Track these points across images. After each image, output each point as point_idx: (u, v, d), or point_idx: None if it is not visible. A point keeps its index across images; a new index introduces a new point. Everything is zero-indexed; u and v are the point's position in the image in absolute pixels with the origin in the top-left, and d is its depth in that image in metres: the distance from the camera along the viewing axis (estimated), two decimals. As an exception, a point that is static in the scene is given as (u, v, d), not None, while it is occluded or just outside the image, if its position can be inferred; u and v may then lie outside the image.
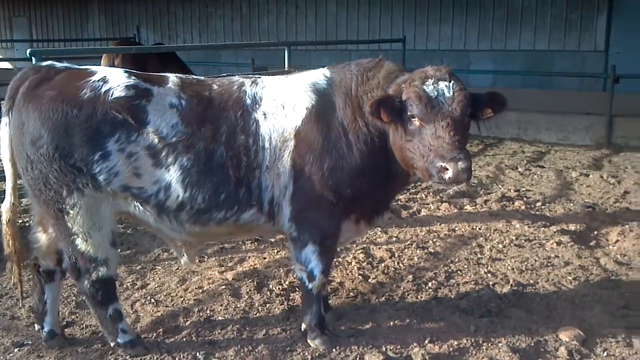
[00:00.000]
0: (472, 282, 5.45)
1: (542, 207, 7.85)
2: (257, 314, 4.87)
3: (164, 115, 3.89)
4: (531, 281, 5.49)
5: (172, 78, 4.10)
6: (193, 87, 4.07)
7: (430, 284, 5.40)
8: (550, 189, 8.87)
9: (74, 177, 3.82)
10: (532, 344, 4.40)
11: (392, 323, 4.70)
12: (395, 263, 5.92)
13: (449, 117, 3.64)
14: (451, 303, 5.06)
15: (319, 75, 4.19)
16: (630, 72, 13.22)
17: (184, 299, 5.14)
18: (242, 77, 4.26)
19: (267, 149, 3.98)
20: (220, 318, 4.80)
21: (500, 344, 4.38)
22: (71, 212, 3.88)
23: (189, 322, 4.74)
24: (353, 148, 4.00)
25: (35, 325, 4.54)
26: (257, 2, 20.00)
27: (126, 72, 4.03)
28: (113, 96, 3.83)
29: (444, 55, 15.85)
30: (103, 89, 3.86)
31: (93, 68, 4.08)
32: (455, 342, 4.40)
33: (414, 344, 4.38)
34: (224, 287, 5.33)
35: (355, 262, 5.89)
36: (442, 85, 3.69)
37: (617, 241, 6.60)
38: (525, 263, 5.89)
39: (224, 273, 5.65)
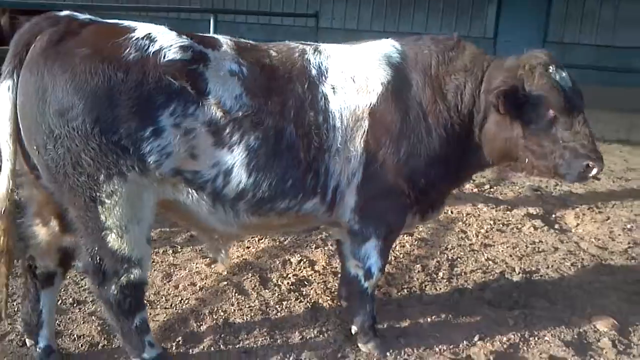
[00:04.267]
0: (480, 271, 5.22)
1: (492, 190, 7.81)
2: (278, 314, 4.29)
3: (225, 84, 3.20)
4: (533, 268, 5.35)
5: (225, 40, 3.40)
6: (251, 53, 3.40)
7: (440, 274, 5.10)
8: (489, 171, 8.88)
9: (117, 157, 3.02)
10: (576, 336, 4.25)
11: (429, 319, 4.35)
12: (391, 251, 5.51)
13: (582, 110, 3.41)
14: (475, 295, 4.79)
15: (389, 47, 3.67)
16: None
17: (182, 299, 4.43)
18: (299, 44, 3.62)
19: (338, 128, 3.41)
20: (239, 321, 4.17)
21: (546, 338, 4.18)
22: (107, 201, 3.07)
23: (205, 327, 4.07)
24: (432, 133, 3.54)
25: (27, 340, 3.64)
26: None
27: (172, 29, 3.26)
28: (166, 58, 3.08)
29: (336, 34, 15.50)
30: (152, 49, 3.09)
31: (127, 22, 3.26)
32: (504, 338, 4.14)
33: (465, 342, 4.07)
34: (224, 283, 4.65)
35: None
36: (564, 74, 3.45)
37: (577, 225, 6.68)
38: (517, 249, 5.76)
39: (212, 266, 4.94)
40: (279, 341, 3.95)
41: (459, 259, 5.43)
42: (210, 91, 3.14)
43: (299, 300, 4.48)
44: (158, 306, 4.31)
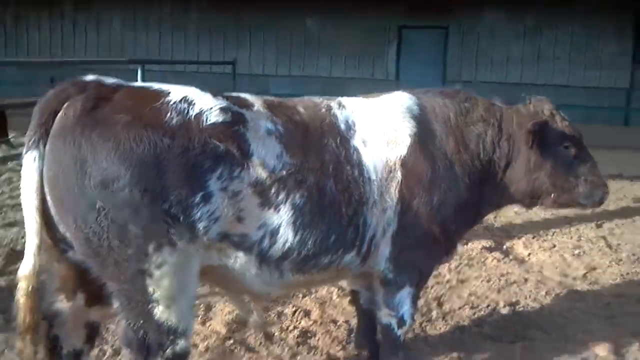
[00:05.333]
0: (467, 307, 5.31)
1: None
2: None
3: (265, 144, 3.14)
4: (513, 299, 5.52)
5: (253, 98, 3.34)
6: (282, 110, 3.37)
7: (434, 314, 5.15)
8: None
9: (167, 227, 2.86)
10: (581, 364, 4.39)
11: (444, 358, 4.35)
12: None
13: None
14: (474, 331, 4.87)
15: (407, 100, 3.74)
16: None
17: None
18: (321, 99, 3.62)
19: (373, 181, 3.43)
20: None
21: (556, 367, 4.29)
22: (156, 273, 2.90)
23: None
24: (459, 180, 3.67)
25: None
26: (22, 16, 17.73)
27: (205, 91, 3.16)
28: (209, 121, 2.98)
29: (243, 78, 15.55)
30: (192, 113, 2.98)
31: (159, 85, 3.14)
32: (520, 372, 4.21)
33: (485, 380, 4.09)
34: (229, 342, 4.46)
35: (337, 300, 5.36)
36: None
37: (529, 254, 6.97)
38: (491, 282, 5.91)
39: (207, 325, 4.73)
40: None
41: (443, 297, 5.51)
42: (253, 152, 3.07)
43: (311, 353, 4.38)
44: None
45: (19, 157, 10.28)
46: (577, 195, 3.85)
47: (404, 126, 3.58)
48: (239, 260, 3.17)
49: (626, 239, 7.59)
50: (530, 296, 5.60)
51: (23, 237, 6.40)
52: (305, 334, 4.65)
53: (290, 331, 4.67)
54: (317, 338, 4.61)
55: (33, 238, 2.90)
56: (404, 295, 3.70)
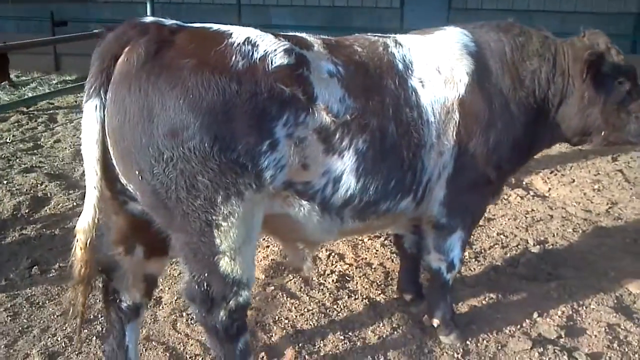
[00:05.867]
0: (497, 246, 5.35)
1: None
2: (340, 314, 4.23)
3: (328, 87, 3.02)
4: (541, 238, 5.55)
5: (312, 38, 3.21)
6: (341, 51, 3.24)
7: (466, 253, 5.14)
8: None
9: (236, 176, 2.77)
10: (616, 301, 4.46)
11: (484, 302, 4.42)
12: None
13: None
14: (509, 271, 4.92)
15: (462, 36, 3.61)
16: (421, 26, 14.06)
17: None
18: (376, 36, 3.49)
19: (431, 123, 3.33)
20: (306, 327, 4.08)
21: (592, 306, 4.38)
22: (224, 224, 2.84)
23: (277, 338, 3.95)
24: (515, 119, 3.57)
25: (113, 379, 3.33)
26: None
27: (266, 31, 3.04)
28: (274, 64, 2.85)
29: (244, 9, 15.14)
30: (257, 55, 2.84)
31: (218, 26, 3.00)
32: (559, 312, 4.30)
33: (528, 321, 4.18)
34: (271, 288, 4.50)
35: (369, 242, 5.37)
36: None
37: (549, 189, 6.98)
38: (518, 220, 5.95)
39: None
40: (358, 343, 3.89)
41: (473, 237, 5.52)
42: (317, 96, 2.96)
43: (352, 297, 4.41)
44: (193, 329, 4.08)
45: (25, 98, 10.13)
46: (628, 132, 3.76)
47: (461, 64, 3.47)
48: (302, 208, 3.12)
49: (643, 171, 7.59)
50: (557, 234, 5.64)
51: (43, 182, 6.40)
52: (343, 278, 4.67)
53: (328, 275, 4.70)
54: (355, 282, 4.64)
55: (93, 190, 2.81)
56: (455, 239, 3.69)
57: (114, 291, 3.21)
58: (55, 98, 10.55)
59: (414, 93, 3.30)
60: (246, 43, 2.86)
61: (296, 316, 4.14)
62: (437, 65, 3.42)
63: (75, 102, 10.36)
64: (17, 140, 8.26)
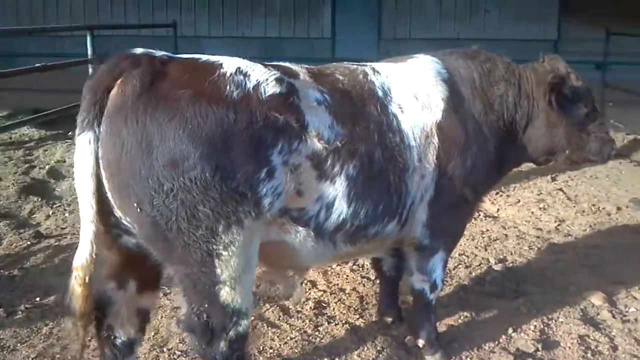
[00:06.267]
0: (461, 265, 5.51)
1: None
2: (323, 340, 4.24)
3: (317, 114, 3.10)
4: (501, 256, 5.75)
5: (296, 67, 3.28)
6: (324, 79, 3.33)
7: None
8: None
9: (236, 204, 2.79)
10: (581, 314, 4.66)
11: (459, 320, 4.56)
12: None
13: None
14: (476, 289, 5.08)
15: (435, 64, 3.76)
16: (352, 56, 14.42)
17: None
18: (354, 65, 3.59)
19: (413, 147, 3.45)
20: (294, 355, 4.06)
21: (560, 320, 4.56)
22: (224, 253, 2.85)
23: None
24: (488, 142, 3.75)
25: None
26: None
27: (253, 61, 3.09)
28: (267, 93, 2.91)
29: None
30: (249, 85, 2.90)
31: (206, 56, 3.03)
32: (531, 326, 4.45)
33: (504, 337, 4.31)
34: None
35: (338, 268, 5.42)
36: None
37: (498, 210, 7.25)
38: (476, 240, 6.14)
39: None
40: (347, 369, 3.90)
41: (436, 258, 5.65)
42: (308, 123, 3.03)
43: (332, 323, 4.44)
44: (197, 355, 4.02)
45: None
46: (589, 151, 4.02)
47: (436, 90, 3.61)
48: (298, 234, 3.16)
49: (581, 190, 7.98)
50: (515, 252, 5.85)
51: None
52: (319, 305, 4.70)
53: (304, 303, 4.71)
54: (332, 308, 4.67)
55: (89, 225, 2.78)
56: (437, 260, 3.80)
57: (108, 327, 3.15)
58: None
59: (394, 118, 3.41)
60: (238, 73, 2.91)
61: (280, 345, 4.13)
62: (415, 92, 3.55)
63: (10, 138, 10.01)
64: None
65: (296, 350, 4.08)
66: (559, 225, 6.65)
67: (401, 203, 3.45)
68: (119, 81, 2.76)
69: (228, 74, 2.89)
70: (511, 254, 5.81)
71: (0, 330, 4.33)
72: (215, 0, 16.27)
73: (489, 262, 5.60)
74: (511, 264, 5.58)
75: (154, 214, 2.74)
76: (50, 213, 6.86)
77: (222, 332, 2.99)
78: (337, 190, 3.13)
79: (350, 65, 3.58)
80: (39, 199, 7.26)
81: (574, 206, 7.29)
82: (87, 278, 2.83)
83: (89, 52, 8.59)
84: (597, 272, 5.41)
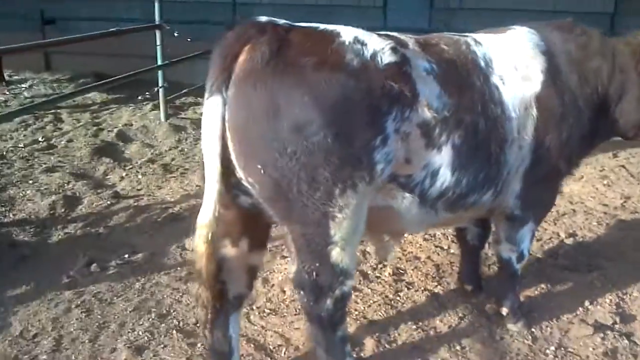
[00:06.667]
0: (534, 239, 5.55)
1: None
2: (405, 305, 4.39)
3: (426, 83, 3.17)
4: (570, 231, 5.77)
5: (405, 37, 3.35)
6: (432, 49, 3.39)
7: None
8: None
9: (352, 170, 2.92)
10: (657, 288, 4.70)
11: (535, 292, 4.64)
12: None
13: None
14: (550, 262, 5.14)
15: (531, 36, 3.80)
16: (403, 25, 14.30)
17: (302, 304, 4.34)
18: (457, 35, 3.65)
19: (513, 118, 3.51)
20: (377, 317, 4.22)
21: (634, 294, 4.61)
22: (338, 215, 2.98)
23: (352, 329, 4.03)
24: (583, 114, 3.78)
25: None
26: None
27: (368, 31, 3.18)
28: (384, 62, 2.99)
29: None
30: (367, 54, 2.99)
31: (323, 25, 3.12)
32: (607, 300, 4.52)
33: (581, 309, 4.39)
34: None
35: (410, 237, 5.53)
36: None
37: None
38: (543, 214, 6.17)
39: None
40: (430, 332, 4.05)
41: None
42: (419, 92, 3.11)
43: (411, 289, 4.58)
44: (286, 313, 4.21)
45: (23, 97, 10.00)
46: None
47: (535, 62, 3.66)
48: (404, 200, 3.27)
49: (644, 167, 7.94)
50: (584, 227, 5.89)
51: (69, 181, 6.41)
52: (397, 271, 4.84)
53: (381, 269, 4.86)
54: (409, 274, 4.81)
55: (214, 184, 2.91)
56: (526, 230, 3.90)
57: (221, 282, 3.30)
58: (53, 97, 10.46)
59: (496, 90, 3.47)
60: (356, 42, 3.00)
61: (364, 307, 4.29)
62: (514, 63, 3.60)
63: (74, 101, 10.25)
64: (29, 141, 8.20)
65: (380, 314, 4.24)
66: (624, 202, 6.63)
67: (499, 173, 3.53)
68: (246, 48, 2.88)
69: (347, 43, 2.98)
70: (580, 228, 5.85)
71: (97, 284, 4.57)
72: (266, -33, 16.23)
73: (559, 236, 5.65)
74: (581, 239, 5.63)
75: (276, 176, 2.87)
76: (124, 175, 7.09)
77: (329, 290, 3.15)
78: (442, 158, 3.23)
79: (452, 35, 3.64)
80: (111, 161, 7.50)
81: (638, 183, 7.26)
82: (210, 236, 2.99)
83: (157, 17, 8.67)
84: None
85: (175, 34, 9.29)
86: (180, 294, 4.46)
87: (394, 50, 3.06)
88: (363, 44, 3.01)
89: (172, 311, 4.23)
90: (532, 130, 3.57)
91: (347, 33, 3.05)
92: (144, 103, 9.90)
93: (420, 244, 5.35)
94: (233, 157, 2.95)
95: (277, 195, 2.95)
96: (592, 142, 4.07)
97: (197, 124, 9.26)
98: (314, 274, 3.11)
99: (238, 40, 2.91)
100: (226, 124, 2.88)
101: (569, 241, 5.54)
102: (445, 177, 3.27)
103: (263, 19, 3.03)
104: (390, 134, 2.99)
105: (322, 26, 3.12)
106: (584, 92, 3.78)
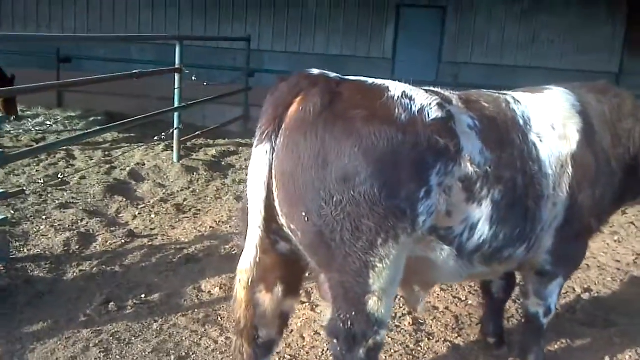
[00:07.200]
0: (548, 293, 5.55)
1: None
2: (426, 356, 4.34)
3: (469, 139, 3.23)
4: (585, 286, 5.80)
5: (448, 93, 3.42)
6: (473, 105, 3.47)
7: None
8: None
9: (396, 220, 2.94)
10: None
11: (555, 346, 4.64)
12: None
13: None
14: (567, 317, 5.14)
15: (568, 96, 3.88)
16: (411, 77, 14.51)
17: (323, 351, 4.33)
18: (496, 93, 3.73)
19: (549, 175, 3.57)
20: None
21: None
22: (379, 265, 2.99)
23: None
24: (615, 175, 3.85)
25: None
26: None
27: (416, 86, 3.25)
28: (430, 117, 3.06)
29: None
30: (415, 109, 3.06)
31: (372, 80, 3.20)
32: (627, 356, 4.50)
33: (603, 365, 4.35)
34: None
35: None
36: None
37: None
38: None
39: (318, 311, 4.84)
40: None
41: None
42: (463, 147, 3.16)
43: (432, 339, 4.55)
44: (306, 360, 4.18)
45: (34, 132, 10.09)
46: None
47: (571, 122, 3.73)
48: (442, 252, 3.29)
49: (652, 224, 7.99)
50: (598, 282, 5.90)
51: (82, 218, 6.40)
52: (417, 321, 4.81)
53: (401, 318, 4.83)
54: (429, 325, 4.78)
55: (256, 230, 2.96)
56: (555, 285, 3.93)
57: (255, 327, 3.29)
58: (64, 134, 10.54)
59: (534, 147, 3.53)
60: (404, 96, 3.07)
61: (386, 357, 4.25)
62: (552, 122, 3.66)
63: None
64: (41, 176, 8.22)
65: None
66: (636, 259, 6.67)
67: (534, 228, 3.55)
68: (298, 98, 2.96)
69: (396, 97, 3.05)
70: (595, 284, 5.86)
71: (115, 323, 4.53)
72: (280, 17, 16.55)
73: (575, 290, 5.66)
74: (597, 294, 5.64)
75: (320, 224, 2.90)
76: (137, 213, 7.10)
77: (363, 339, 3.13)
78: (482, 212, 3.26)
79: (492, 93, 3.72)
80: (124, 199, 7.51)
81: (648, 241, 7.30)
82: (249, 281, 3.00)
83: (177, 60, 8.83)
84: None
85: (194, 78, 9.42)
86: (199, 337, 4.42)
87: (440, 106, 3.13)
88: (411, 99, 3.08)
89: (191, 354, 4.19)
90: (566, 188, 3.62)
91: (396, 88, 3.12)
92: (157, 143, 9.95)
93: (438, 294, 5.34)
94: (277, 203, 2.99)
95: (318, 243, 2.97)
96: (621, 202, 4.13)
97: (208, 165, 9.33)
98: (349, 322, 3.10)
99: (290, 91, 2.99)
100: (273, 170, 2.93)
101: (585, 296, 5.54)
102: (483, 230, 3.30)
103: (315, 71, 3.11)
104: (433, 186, 3.03)
105: (371, 80, 3.20)
106: (616, 153, 3.85)
